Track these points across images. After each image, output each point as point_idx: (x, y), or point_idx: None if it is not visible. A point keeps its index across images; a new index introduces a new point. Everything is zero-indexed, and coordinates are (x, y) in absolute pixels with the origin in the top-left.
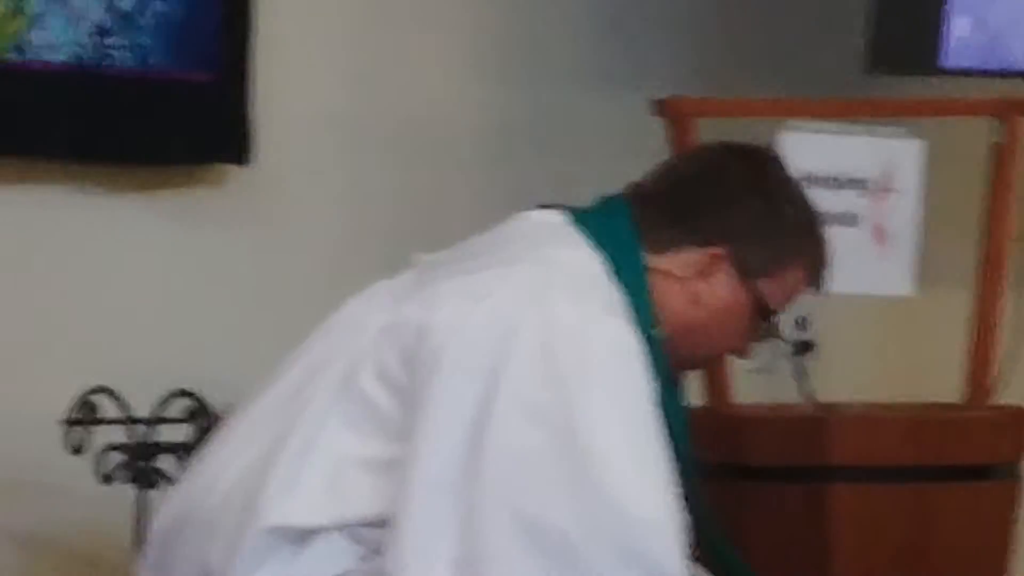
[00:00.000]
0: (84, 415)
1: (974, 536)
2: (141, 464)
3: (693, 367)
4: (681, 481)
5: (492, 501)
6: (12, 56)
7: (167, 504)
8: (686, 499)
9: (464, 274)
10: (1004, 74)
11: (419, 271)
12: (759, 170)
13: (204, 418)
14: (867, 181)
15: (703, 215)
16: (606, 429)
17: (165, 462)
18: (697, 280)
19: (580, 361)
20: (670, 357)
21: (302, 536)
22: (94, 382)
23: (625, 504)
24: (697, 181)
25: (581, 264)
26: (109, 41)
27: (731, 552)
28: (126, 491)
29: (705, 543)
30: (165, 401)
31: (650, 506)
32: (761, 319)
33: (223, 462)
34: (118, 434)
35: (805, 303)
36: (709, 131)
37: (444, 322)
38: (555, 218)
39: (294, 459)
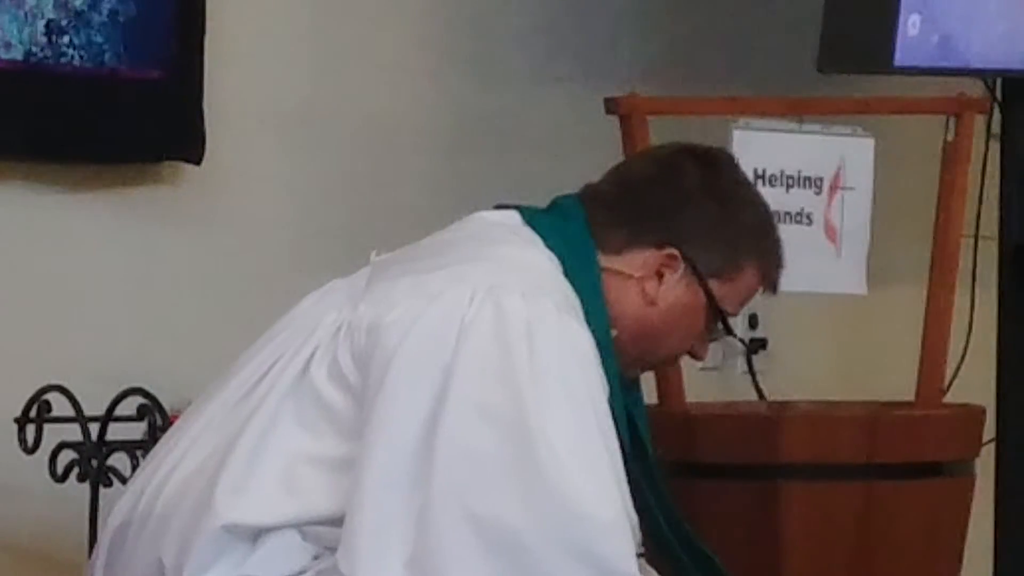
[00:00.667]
0: (37, 413)
1: (927, 534)
2: (94, 462)
3: (646, 368)
4: (644, 479)
5: (444, 500)
6: None
7: (120, 502)
8: (650, 497)
9: (417, 273)
10: (956, 72)
11: (372, 270)
12: (713, 172)
13: (156, 416)
14: (819, 179)
15: (657, 216)
16: (558, 428)
17: (118, 460)
18: (650, 280)
19: (533, 360)
20: (622, 357)
21: (255, 534)
22: (47, 380)
23: (577, 503)
24: (651, 182)
25: (534, 263)
26: (63, 39)
27: (700, 548)
28: (80, 489)
29: (668, 542)
30: (118, 399)
31: (601, 506)
32: (715, 321)
33: (176, 460)
34: (71, 432)
35: (757, 301)
36: (662, 129)
37: (396, 321)
38: (509, 218)
39: (247, 457)
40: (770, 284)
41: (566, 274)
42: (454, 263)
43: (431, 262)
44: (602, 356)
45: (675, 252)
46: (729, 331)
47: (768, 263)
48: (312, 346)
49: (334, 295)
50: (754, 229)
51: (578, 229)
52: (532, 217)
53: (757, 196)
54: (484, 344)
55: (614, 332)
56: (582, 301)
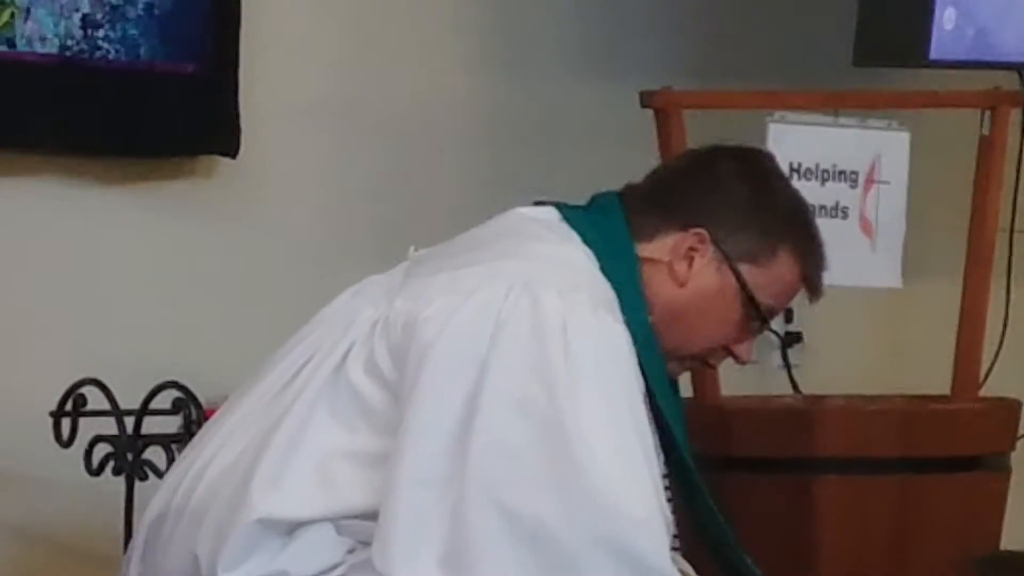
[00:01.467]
0: (73, 407)
1: (963, 528)
2: (129, 456)
3: (684, 363)
4: (680, 474)
5: (478, 495)
6: (2, 48)
7: (156, 496)
8: (687, 493)
9: (453, 269)
10: (991, 66)
11: (410, 266)
12: (747, 161)
13: (192, 410)
14: (855, 173)
15: (686, 199)
16: (593, 424)
17: (153, 454)
18: (680, 263)
19: (568, 355)
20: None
21: (290, 528)
22: (83, 374)
23: (611, 499)
24: (684, 172)
25: (571, 259)
26: (98, 33)
27: (737, 546)
28: (115, 483)
29: (706, 537)
30: (153, 393)
31: (636, 502)
32: (754, 315)
33: (211, 454)
34: (107, 426)
35: None
36: (697, 123)
37: (433, 317)
38: (546, 214)
39: (283, 451)
40: (811, 283)
41: (603, 269)
42: (490, 259)
43: (468, 258)
44: (644, 348)
45: (703, 232)
46: (762, 319)
47: (805, 253)
48: (348, 341)
49: (371, 291)
50: (788, 214)
51: (616, 224)
52: (570, 213)
53: (791, 187)
54: (520, 340)
55: (650, 318)
56: (619, 296)
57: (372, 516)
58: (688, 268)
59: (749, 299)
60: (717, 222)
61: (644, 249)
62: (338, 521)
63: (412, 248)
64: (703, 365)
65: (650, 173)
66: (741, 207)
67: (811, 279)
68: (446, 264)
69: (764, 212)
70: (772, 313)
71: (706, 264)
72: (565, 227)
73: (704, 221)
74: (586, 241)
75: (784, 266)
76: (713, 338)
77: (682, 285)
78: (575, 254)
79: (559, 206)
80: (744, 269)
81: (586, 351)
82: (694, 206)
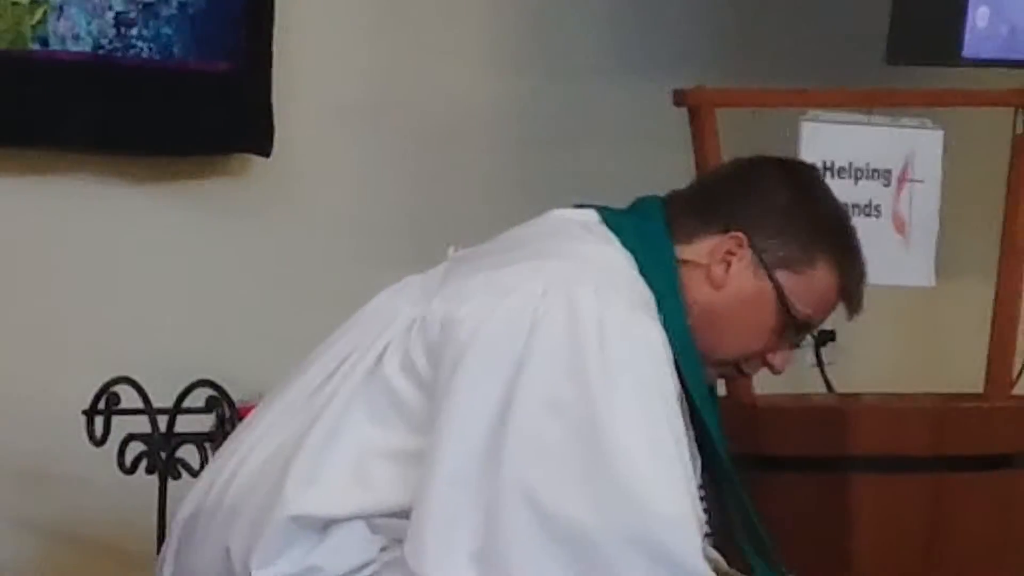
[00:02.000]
0: (106, 406)
1: (997, 526)
2: (162, 454)
3: (719, 370)
4: (718, 476)
5: (512, 493)
6: (35, 47)
7: (191, 492)
8: (724, 495)
9: (492, 269)
10: None
11: (448, 266)
12: (791, 170)
13: (225, 408)
14: (888, 172)
15: (727, 203)
16: (627, 425)
17: (186, 452)
18: (718, 266)
19: (604, 356)
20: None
21: (324, 525)
22: (116, 372)
23: (644, 499)
24: (727, 177)
25: (609, 260)
26: (131, 31)
27: (773, 551)
28: (148, 481)
29: (740, 539)
30: (186, 391)
31: (669, 501)
32: (789, 323)
33: (247, 451)
34: (140, 424)
35: None
36: (730, 122)
37: (469, 316)
38: (587, 216)
39: (318, 449)
40: (849, 296)
41: (641, 271)
42: (528, 258)
43: (506, 257)
44: (682, 351)
45: (741, 236)
46: (797, 328)
47: (843, 264)
48: (385, 340)
49: (409, 290)
50: (829, 224)
51: (655, 227)
52: (609, 216)
53: (835, 199)
54: (555, 339)
55: (688, 321)
56: (658, 298)
57: (406, 514)
58: (725, 271)
59: (784, 305)
60: (756, 227)
61: (683, 252)
62: (371, 519)
63: (451, 248)
64: (738, 373)
65: (695, 179)
66: (781, 213)
67: (849, 292)
68: (484, 264)
69: (804, 220)
70: (808, 323)
71: (744, 268)
72: (604, 229)
73: (743, 225)
74: (625, 243)
75: (822, 276)
76: (748, 344)
77: (719, 288)
78: (613, 255)
79: (599, 208)
80: (781, 275)
81: (621, 350)
82: (734, 210)
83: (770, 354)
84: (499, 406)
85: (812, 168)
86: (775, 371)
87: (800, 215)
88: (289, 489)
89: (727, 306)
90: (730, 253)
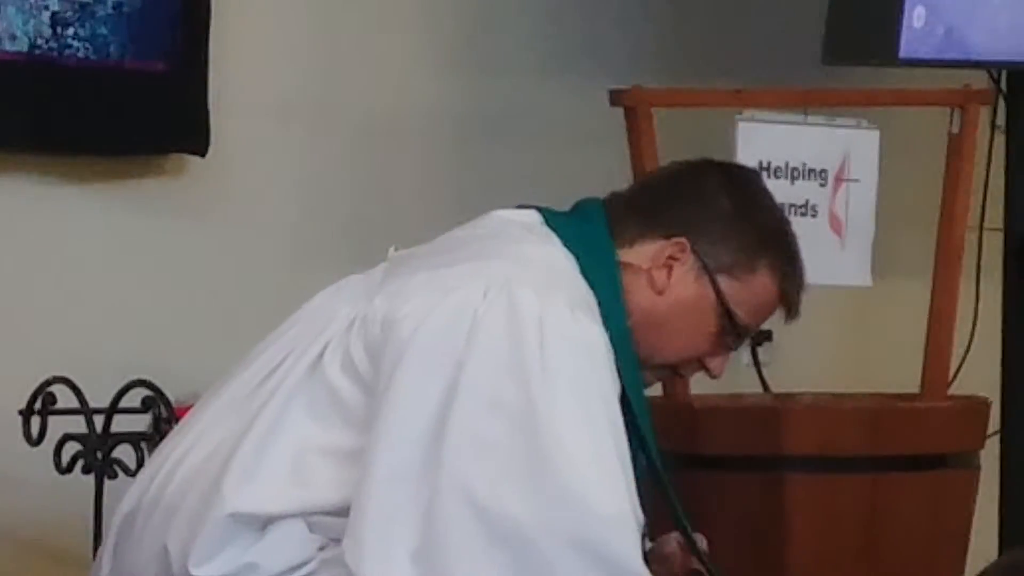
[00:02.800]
0: (42, 405)
1: (932, 526)
2: (99, 454)
3: (656, 373)
4: (649, 475)
5: (451, 491)
6: None
7: (129, 491)
8: (657, 492)
9: (433, 268)
10: (961, 64)
11: (389, 266)
12: (733, 177)
13: (161, 408)
14: (824, 171)
15: (669, 208)
16: (567, 423)
17: (123, 452)
18: (660, 270)
19: (545, 356)
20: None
21: (263, 523)
22: (52, 372)
23: (584, 498)
24: (669, 181)
25: (550, 261)
26: (68, 31)
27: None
28: (84, 481)
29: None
30: (123, 391)
31: (608, 501)
32: (729, 329)
33: (186, 449)
34: (76, 424)
35: None
36: (667, 121)
37: (411, 315)
38: (528, 217)
39: (257, 447)
40: (788, 302)
41: (583, 273)
42: (470, 259)
43: (447, 258)
44: (621, 352)
45: (683, 242)
46: (737, 333)
47: (784, 271)
48: (326, 339)
49: (349, 289)
50: (770, 232)
51: (597, 229)
52: (551, 217)
53: (777, 207)
54: (496, 338)
55: (628, 323)
56: (599, 299)
57: (344, 512)
58: (667, 276)
59: (725, 311)
60: (699, 232)
61: (625, 255)
62: (310, 517)
63: (392, 248)
64: (675, 375)
65: (635, 182)
66: (724, 220)
67: (789, 298)
68: (426, 264)
69: (747, 227)
70: (747, 329)
71: (685, 273)
72: (546, 230)
73: (686, 231)
74: (566, 245)
75: (762, 283)
76: (687, 349)
77: (660, 293)
78: (555, 256)
79: (540, 210)
80: (723, 281)
81: (562, 350)
82: (677, 215)
83: (708, 358)
84: (439, 404)
85: (754, 173)
86: (712, 375)
87: (743, 222)
88: (227, 487)
89: (668, 311)
90: (672, 258)
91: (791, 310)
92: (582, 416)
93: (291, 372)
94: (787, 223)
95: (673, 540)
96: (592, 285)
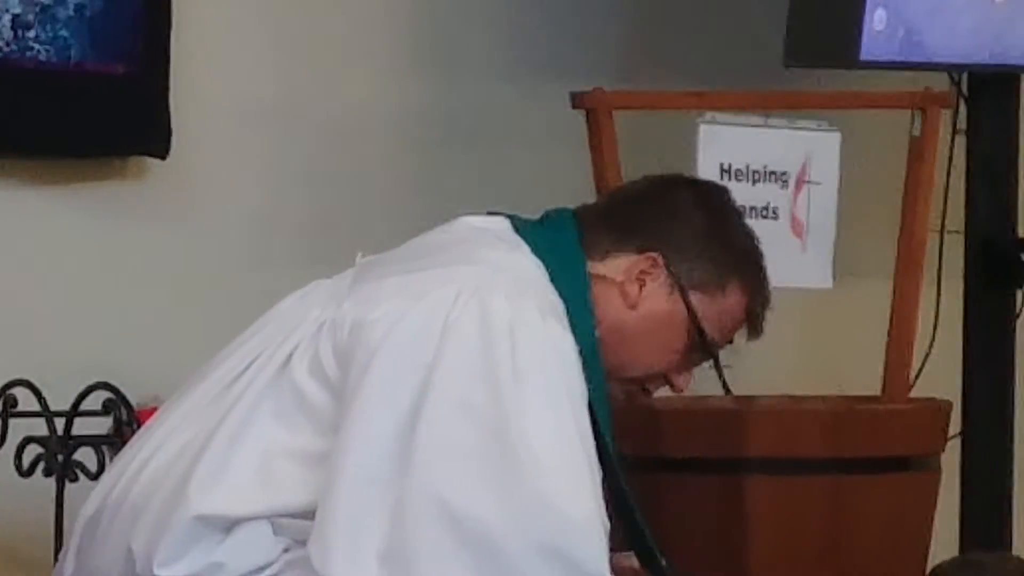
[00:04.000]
0: (3, 408)
1: (894, 528)
2: (60, 457)
3: (622, 383)
4: (609, 479)
5: (420, 494)
6: None
7: (93, 492)
8: (616, 496)
9: (403, 274)
10: (922, 67)
11: (358, 270)
12: (705, 193)
13: (122, 411)
14: (785, 174)
15: (642, 223)
16: (537, 427)
17: (84, 455)
18: (632, 284)
19: (514, 359)
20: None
21: (228, 525)
22: (13, 375)
23: (552, 502)
24: (642, 196)
25: (520, 268)
26: (28, 34)
27: (656, 552)
28: (45, 484)
29: (630, 542)
30: (84, 394)
31: (575, 505)
32: (695, 340)
33: (152, 450)
34: (37, 427)
35: None
36: (628, 124)
37: (380, 319)
38: (497, 224)
39: (223, 449)
40: (753, 320)
41: (553, 280)
42: (440, 264)
43: (417, 263)
44: (588, 361)
45: (657, 257)
46: (708, 350)
47: (754, 290)
48: (294, 342)
49: (317, 293)
50: (742, 250)
51: (567, 238)
52: (521, 225)
53: (747, 225)
54: (466, 343)
55: (597, 333)
56: (568, 307)
57: (310, 515)
58: (639, 291)
59: (696, 328)
60: (672, 248)
61: (596, 267)
62: (275, 520)
63: (360, 254)
64: (640, 390)
65: (606, 194)
66: (697, 237)
67: (755, 315)
68: (395, 269)
69: (719, 244)
70: (715, 345)
71: (657, 288)
72: (516, 237)
73: (659, 246)
74: (536, 252)
75: (732, 299)
76: (655, 364)
77: (632, 307)
78: (526, 263)
79: (511, 217)
80: (694, 297)
81: (532, 356)
82: (650, 230)
83: (673, 374)
84: (409, 408)
85: (725, 190)
86: (677, 390)
87: (715, 239)
88: (193, 488)
89: (638, 325)
90: (645, 273)
91: (755, 328)
92: (552, 421)
93: (258, 376)
94: (757, 240)
95: (634, 557)
96: (561, 294)
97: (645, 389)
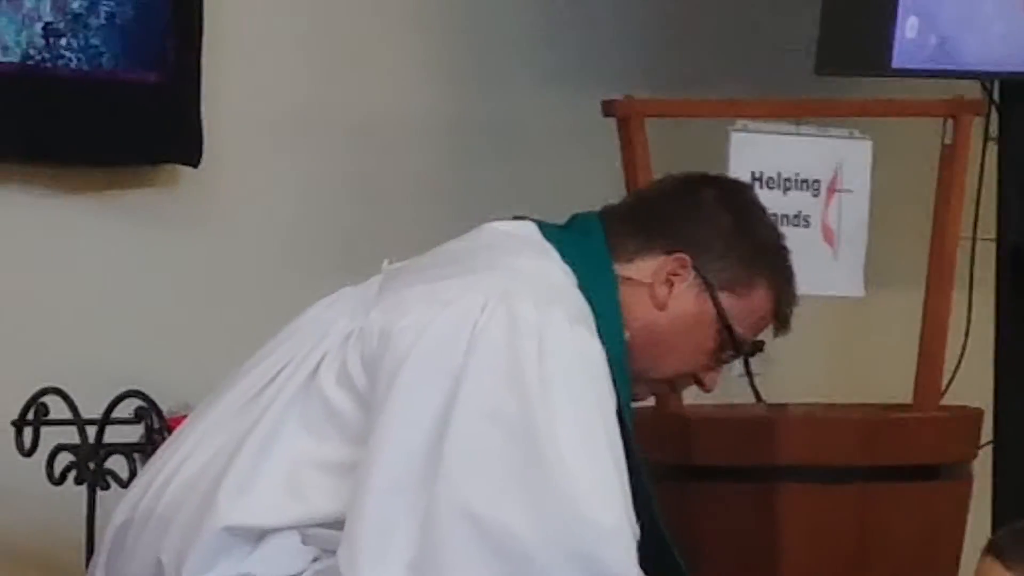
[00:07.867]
0: (35, 416)
1: (924, 537)
2: (91, 465)
3: (650, 387)
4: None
5: (449, 502)
6: None
7: (123, 501)
8: (639, 504)
9: (430, 281)
10: (953, 75)
11: (385, 278)
12: (730, 192)
13: (154, 419)
14: (817, 182)
15: (669, 224)
16: (566, 435)
17: (115, 463)
18: (661, 286)
19: (543, 369)
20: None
21: (257, 536)
22: (45, 383)
23: (581, 510)
24: (667, 196)
25: (548, 274)
26: (60, 42)
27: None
28: (77, 492)
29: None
30: (115, 402)
31: (606, 514)
32: (724, 339)
33: (180, 461)
34: (69, 435)
35: None
36: (659, 132)
37: (408, 327)
38: (524, 229)
39: (252, 459)
40: (781, 316)
41: (581, 287)
42: (467, 272)
43: (444, 270)
44: (616, 369)
45: (685, 258)
46: (739, 349)
47: (781, 287)
48: (321, 351)
49: (345, 302)
50: (769, 248)
51: (595, 243)
52: (548, 230)
53: (773, 222)
54: (495, 350)
55: (626, 335)
56: (597, 313)
57: (339, 525)
58: (668, 292)
59: (726, 327)
60: (700, 249)
61: (623, 269)
62: (304, 530)
63: (386, 261)
64: (670, 390)
65: (630, 195)
66: (724, 236)
67: (783, 314)
68: (422, 276)
69: (746, 243)
70: (745, 344)
71: (686, 289)
72: (543, 243)
73: (687, 247)
74: (564, 258)
75: (760, 298)
76: (685, 364)
77: (661, 308)
78: (553, 269)
79: (538, 222)
80: (723, 297)
81: (561, 363)
82: (677, 231)
83: (703, 373)
84: (438, 416)
85: (748, 187)
86: (706, 390)
87: (742, 238)
88: (222, 499)
89: (668, 326)
90: (673, 274)
91: (783, 325)
92: (580, 429)
93: (286, 385)
94: (783, 237)
95: None
96: (590, 299)
97: (674, 390)
